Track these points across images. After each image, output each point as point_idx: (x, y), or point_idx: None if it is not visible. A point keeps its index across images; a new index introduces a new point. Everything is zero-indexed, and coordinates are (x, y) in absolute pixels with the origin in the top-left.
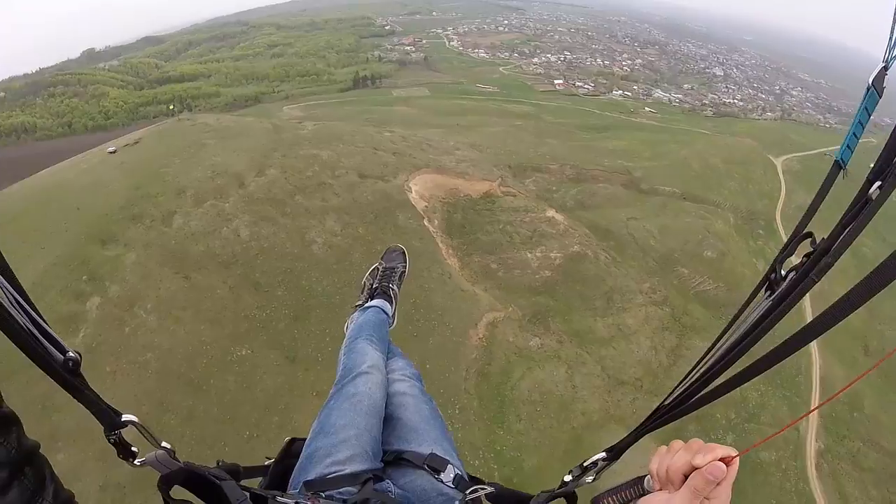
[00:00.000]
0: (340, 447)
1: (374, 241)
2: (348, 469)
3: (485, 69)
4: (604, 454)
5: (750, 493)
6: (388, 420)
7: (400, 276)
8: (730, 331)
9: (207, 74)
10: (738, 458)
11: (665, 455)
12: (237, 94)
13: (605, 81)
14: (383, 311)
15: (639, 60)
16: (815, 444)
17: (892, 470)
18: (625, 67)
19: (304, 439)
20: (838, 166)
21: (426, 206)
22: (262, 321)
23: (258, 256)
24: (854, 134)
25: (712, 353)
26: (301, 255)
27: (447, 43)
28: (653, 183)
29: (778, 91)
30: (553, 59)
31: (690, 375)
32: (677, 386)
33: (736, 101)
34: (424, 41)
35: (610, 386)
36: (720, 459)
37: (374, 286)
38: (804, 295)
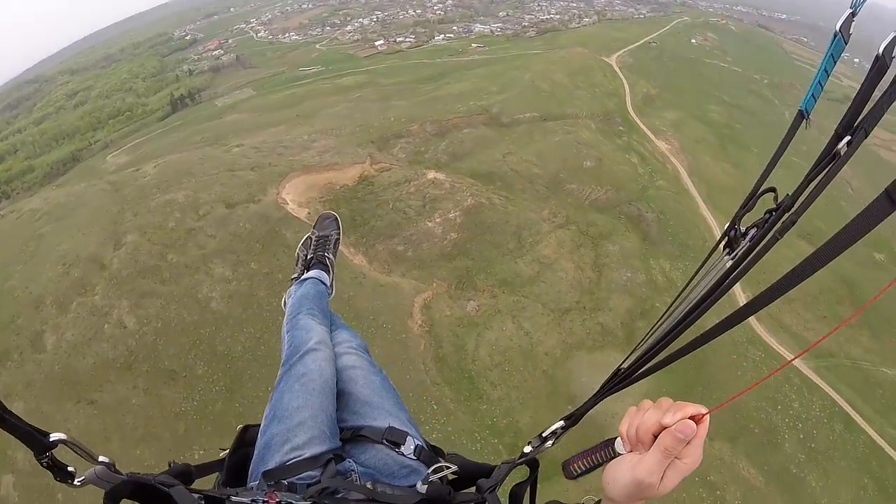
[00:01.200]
0: (297, 431)
1: (272, 271)
2: (308, 453)
3: (301, 51)
4: (562, 422)
5: (711, 358)
6: (340, 395)
7: (335, 244)
8: (687, 290)
9: (13, 150)
10: (708, 416)
11: (635, 415)
12: (52, 160)
13: (423, 30)
14: (321, 281)
15: (449, 1)
16: (744, 296)
17: (813, 292)
18: (438, 11)
19: (258, 426)
20: (801, 116)
21: (308, 213)
22: (196, 411)
23: (157, 341)
24: (819, 83)
25: (669, 313)
26: (203, 320)
27: (254, 36)
28: (512, 114)
29: None
30: (366, 21)
31: (648, 336)
32: (635, 348)
33: (552, 15)
34: (230, 40)
35: (557, 318)
36: (690, 417)
37: (308, 256)
38: (766, 253)
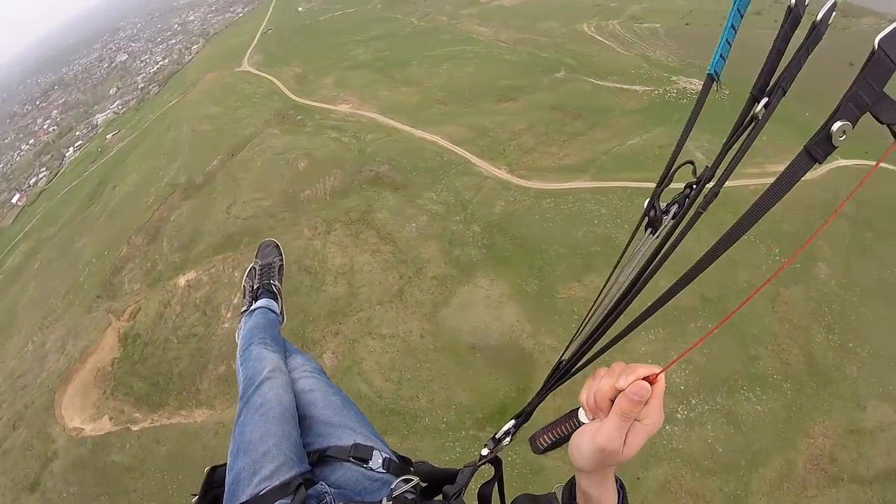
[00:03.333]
0: (263, 461)
1: None
2: (277, 482)
3: None
4: (513, 421)
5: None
6: (302, 420)
7: (279, 270)
8: (613, 277)
9: None
10: (662, 375)
11: (591, 383)
12: None
13: (49, 156)
14: (270, 309)
15: (54, 112)
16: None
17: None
18: (50, 129)
19: (226, 465)
20: (711, 79)
21: (110, 417)
22: None
23: None
24: (727, 41)
25: (600, 301)
26: None
27: None
28: (200, 172)
29: (179, 21)
30: None
31: (583, 326)
32: (572, 339)
33: (162, 62)
34: None
35: (399, 304)
36: (644, 378)
37: (255, 286)
38: (691, 229)
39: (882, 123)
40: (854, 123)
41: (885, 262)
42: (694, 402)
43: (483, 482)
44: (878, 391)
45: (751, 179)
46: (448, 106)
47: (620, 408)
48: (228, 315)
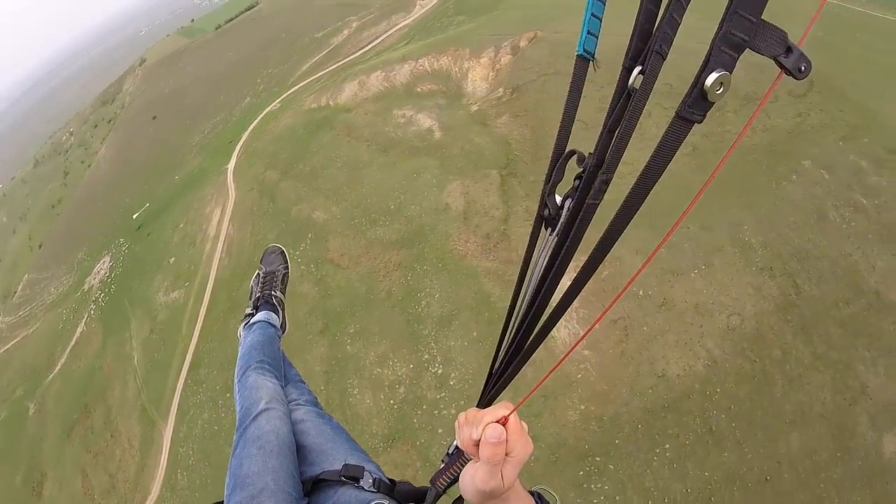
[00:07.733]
0: (261, 497)
1: None
2: None
3: None
4: None
5: None
6: (296, 451)
7: (282, 279)
8: (525, 283)
9: None
10: (512, 414)
11: (458, 430)
12: None
13: None
14: (270, 323)
15: None
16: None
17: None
18: None
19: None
20: (584, 61)
21: None
22: None
23: None
24: (594, 14)
25: (516, 313)
26: None
27: None
28: None
29: None
30: None
31: (503, 344)
32: (494, 359)
33: None
34: None
35: None
36: (496, 421)
37: (256, 296)
38: (590, 221)
39: (766, 56)
40: (731, 70)
41: None
42: None
43: (456, 497)
44: None
45: None
46: None
47: (484, 455)
48: None
